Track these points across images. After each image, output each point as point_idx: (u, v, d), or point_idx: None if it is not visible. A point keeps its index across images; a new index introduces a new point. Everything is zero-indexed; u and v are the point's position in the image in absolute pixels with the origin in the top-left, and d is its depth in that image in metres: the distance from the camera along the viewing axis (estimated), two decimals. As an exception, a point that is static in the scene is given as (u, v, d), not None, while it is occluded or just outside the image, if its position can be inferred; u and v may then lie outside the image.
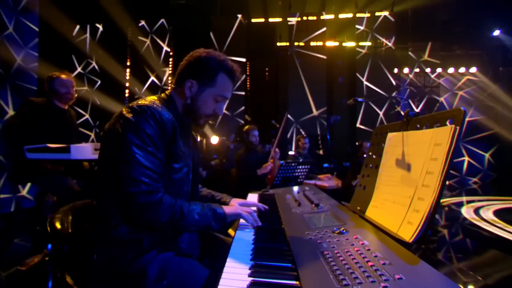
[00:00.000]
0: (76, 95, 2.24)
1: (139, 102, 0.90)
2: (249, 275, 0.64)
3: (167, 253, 0.91)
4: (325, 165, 5.42)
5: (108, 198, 0.87)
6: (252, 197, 1.58)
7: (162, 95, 1.01)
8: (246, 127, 3.48)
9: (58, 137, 2.05)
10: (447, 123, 0.75)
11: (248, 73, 6.76)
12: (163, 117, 0.88)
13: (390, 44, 6.67)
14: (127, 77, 6.31)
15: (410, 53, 7.07)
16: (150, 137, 0.84)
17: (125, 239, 0.86)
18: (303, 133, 6.43)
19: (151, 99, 0.94)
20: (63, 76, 2.16)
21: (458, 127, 0.70)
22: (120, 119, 0.86)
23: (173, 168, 0.93)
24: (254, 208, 1.19)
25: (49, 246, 1.91)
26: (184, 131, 1.00)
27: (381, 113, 6.61)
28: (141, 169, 0.81)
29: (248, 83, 6.82)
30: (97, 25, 6.25)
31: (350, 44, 6.83)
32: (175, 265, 0.90)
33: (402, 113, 0.96)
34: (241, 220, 1.15)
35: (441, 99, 7.13)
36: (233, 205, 1.19)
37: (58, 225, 0.88)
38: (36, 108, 2.07)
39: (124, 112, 0.87)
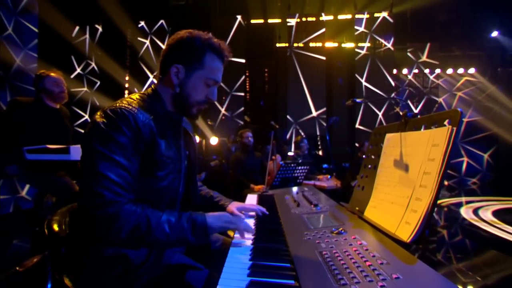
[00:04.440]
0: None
1: (114, 104, 0.83)
2: (248, 275, 0.65)
3: (156, 268, 0.86)
4: (325, 165, 5.43)
5: None
6: (251, 198, 1.58)
7: (148, 90, 0.93)
8: (240, 131, 3.60)
9: (53, 137, 2.01)
10: (445, 123, 0.76)
11: (247, 74, 6.78)
12: (138, 121, 0.80)
13: (389, 45, 6.70)
14: (127, 78, 6.32)
15: (409, 54, 7.09)
16: (119, 145, 0.77)
17: (110, 255, 0.80)
18: (302, 133, 6.44)
19: (129, 99, 0.86)
20: (54, 75, 2.08)
21: (455, 128, 0.71)
22: (91, 124, 0.80)
23: (156, 177, 0.85)
24: (252, 214, 1.17)
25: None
26: (171, 131, 0.91)
27: (380, 113, 6.63)
28: (102, 181, 0.73)
29: (247, 84, 6.83)
30: (97, 26, 6.26)
31: (349, 45, 6.85)
32: (167, 276, 0.85)
33: (401, 113, 0.97)
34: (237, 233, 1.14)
35: (440, 99, 7.16)
36: (231, 209, 1.15)
37: (55, 227, 0.86)
38: (25, 108, 2.01)
39: (97, 116, 0.80)
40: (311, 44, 6.74)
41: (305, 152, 4.15)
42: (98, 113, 0.81)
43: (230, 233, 1.13)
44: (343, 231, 0.82)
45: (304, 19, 6.81)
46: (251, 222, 1.11)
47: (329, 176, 3.78)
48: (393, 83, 6.67)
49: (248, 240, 0.89)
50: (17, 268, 1.96)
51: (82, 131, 5.91)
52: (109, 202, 0.73)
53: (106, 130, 0.77)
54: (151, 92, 0.92)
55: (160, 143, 0.85)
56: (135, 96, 0.90)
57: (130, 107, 0.82)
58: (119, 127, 0.78)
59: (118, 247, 0.81)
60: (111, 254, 0.81)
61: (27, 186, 3.81)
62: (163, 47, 0.96)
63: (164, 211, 0.79)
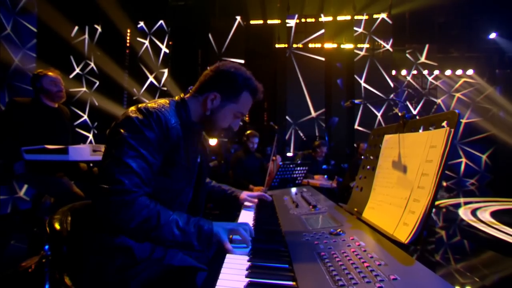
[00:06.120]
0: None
1: (149, 104, 0.88)
2: (247, 276, 0.65)
3: (156, 267, 0.87)
4: (324, 166, 5.43)
5: None
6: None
7: (176, 97, 0.98)
8: (248, 131, 3.51)
9: (52, 137, 2.00)
10: (443, 125, 0.76)
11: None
12: (169, 123, 0.86)
13: (388, 46, 6.72)
14: (126, 78, 6.31)
15: (407, 55, 7.12)
16: (148, 140, 0.82)
17: (114, 245, 0.83)
18: (301, 134, 6.45)
19: (161, 102, 0.91)
20: (51, 74, 2.07)
21: (452, 130, 0.71)
22: (125, 117, 0.85)
23: (172, 178, 0.90)
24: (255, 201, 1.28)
25: (46, 247, 1.91)
26: (191, 138, 0.97)
27: (379, 114, 6.65)
28: (124, 169, 0.77)
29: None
30: (96, 26, 6.25)
31: (348, 46, 6.87)
32: (167, 274, 0.86)
33: (400, 114, 0.97)
34: (239, 220, 1.15)
35: (439, 101, 7.19)
36: (243, 197, 1.34)
37: (57, 226, 0.87)
38: (23, 108, 2.00)
39: (131, 111, 0.86)
40: (310, 45, 6.75)
41: (320, 159, 4.05)
42: (133, 109, 0.87)
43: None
44: (341, 232, 0.82)
45: (303, 20, 6.82)
46: (250, 221, 1.12)
47: (325, 176, 3.77)
48: (392, 84, 6.69)
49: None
50: (15, 269, 1.95)
51: (83, 132, 5.92)
52: (127, 191, 0.76)
53: (138, 125, 0.82)
54: (180, 101, 0.97)
55: (182, 147, 0.91)
56: (165, 101, 0.94)
57: (163, 109, 0.88)
58: (150, 125, 0.83)
59: (123, 237, 0.83)
60: (116, 244, 0.83)
61: (25, 187, 3.80)
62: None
63: (174, 212, 0.82)
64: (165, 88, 6.38)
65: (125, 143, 0.80)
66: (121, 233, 0.82)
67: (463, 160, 7.09)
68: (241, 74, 0.98)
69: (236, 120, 1.01)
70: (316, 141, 4.17)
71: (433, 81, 7.23)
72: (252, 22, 6.93)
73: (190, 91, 1.01)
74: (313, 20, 6.82)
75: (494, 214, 4.12)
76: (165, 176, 0.88)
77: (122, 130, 0.81)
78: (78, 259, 0.85)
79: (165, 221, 0.77)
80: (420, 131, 0.86)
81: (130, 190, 0.76)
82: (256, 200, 1.38)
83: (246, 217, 1.21)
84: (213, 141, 5.22)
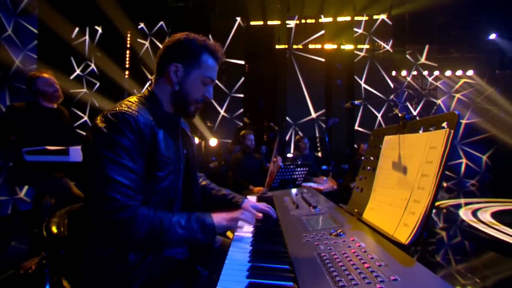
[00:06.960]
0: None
1: (114, 108, 0.83)
2: (247, 277, 0.65)
3: (155, 268, 0.86)
4: (324, 167, 5.44)
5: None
6: (250, 200, 1.58)
7: (145, 92, 0.95)
8: (243, 132, 3.58)
9: (54, 138, 2.01)
10: (444, 126, 0.76)
11: (246, 75, 6.79)
12: (139, 122, 0.81)
13: (388, 47, 6.73)
14: (126, 79, 6.33)
15: (407, 56, 7.12)
16: (124, 148, 0.77)
17: (110, 255, 0.81)
18: (301, 135, 6.44)
19: (127, 102, 0.87)
20: (45, 75, 2.08)
21: (452, 131, 0.71)
22: (93, 129, 0.80)
23: (157, 177, 0.86)
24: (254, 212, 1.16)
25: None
26: (170, 132, 0.92)
27: (379, 115, 6.65)
28: (113, 185, 0.74)
29: (246, 86, 6.84)
30: (96, 27, 6.27)
31: (348, 47, 6.88)
32: (166, 276, 0.86)
33: (400, 115, 0.98)
34: (239, 223, 1.15)
35: (439, 101, 7.18)
36: (246, 207, 1.13)
37: (54, 229, 0.86)
38: (22, 113, 2.02)
39: (98, 121, 0.81)
40: (310, 46, 6.76)
41: (306, 152, 4.08)
42: (99, 118, 0.82)
43: (229, 234, 1.13)
44: (341, 233, 0.82)
45: (303, 21, 6.83)
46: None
47: (325, 178, 3.76)
48: (392, 85, 6.69)
49: (247, 241, 0.90)
50: (16, 270, 1.95)
51: (83, 133, 5.93)
52: (123, 207, 0.74)
53: (109, 135, 0.78)
54: (148, 94, 0.93)
55: (160, 144, 0.87)
56: (133, 99, 0.90)
57: (130, 110, 0.83)
58: (121, 131, 0.78)
59: (131, 249, 0.82)
60: (111, 254, 0.82)
61: (26, 187, 3.80)
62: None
63: (172, 213, 0.82)
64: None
65: (103, 158, 0.75)
66: (129, 247, 0.81)
67: (464, 160, 7.08)
68: (193, 38, 0.94)
69: (207, 88, 0.96)
70: (296, 137, 4.18)
71: (433, 81, 7.22)
72: (252, 23, 6.95)
73: (152, 79, 0.96)
74: (313, 21, 6.83)
75: (494, 215, 4.11)
76: (150, 177, 0.85)
77: (95, 144, 0.77)
78: (76, 264, 0.84)
79: (168, 224, 0.78)
80: (420, 132, 0.86)
81: (126, 205, 0.75)
82: (260, 215, 1.10)
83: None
84: (213, 142, 5.23)
